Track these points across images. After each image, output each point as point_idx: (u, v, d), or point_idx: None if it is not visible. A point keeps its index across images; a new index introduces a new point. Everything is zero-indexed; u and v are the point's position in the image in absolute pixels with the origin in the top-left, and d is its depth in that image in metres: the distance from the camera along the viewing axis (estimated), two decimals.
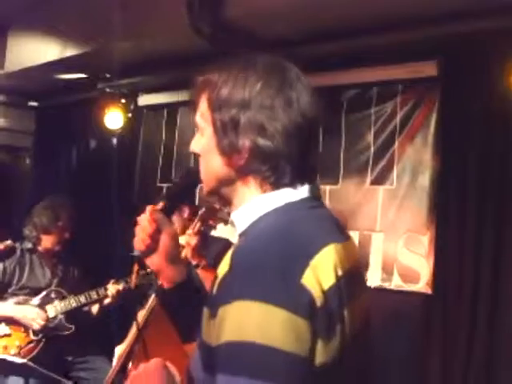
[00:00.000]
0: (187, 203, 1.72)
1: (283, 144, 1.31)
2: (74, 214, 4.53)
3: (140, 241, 1.63)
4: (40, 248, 4.44)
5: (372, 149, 4.21)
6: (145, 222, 1.63)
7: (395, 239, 4.06)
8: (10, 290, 4.30)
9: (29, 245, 4.44)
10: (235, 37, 4.12)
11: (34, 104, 6.63)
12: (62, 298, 4.34)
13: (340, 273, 1.25)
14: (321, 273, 1.20)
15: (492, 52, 3.67)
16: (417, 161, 4.02)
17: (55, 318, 4.27)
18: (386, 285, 4.06)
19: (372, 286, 4.09)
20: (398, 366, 3.84)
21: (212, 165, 1.41)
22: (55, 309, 4.28)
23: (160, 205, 1.66)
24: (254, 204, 1.37)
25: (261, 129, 1.32)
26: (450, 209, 3.89)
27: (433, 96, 3.99)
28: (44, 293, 4.33)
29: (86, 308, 4.43)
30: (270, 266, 1.18)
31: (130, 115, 5.43)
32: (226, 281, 1.23)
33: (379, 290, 4.06)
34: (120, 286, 4.29)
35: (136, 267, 1.74)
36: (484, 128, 3.79)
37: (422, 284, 3.91)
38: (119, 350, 3.81)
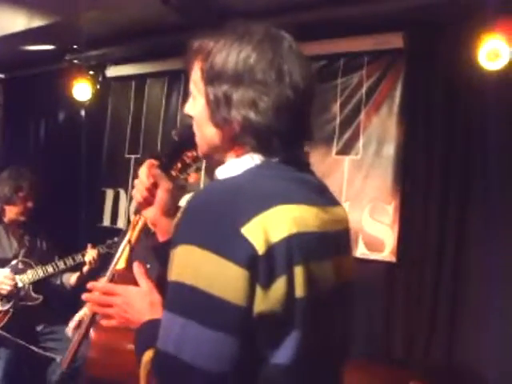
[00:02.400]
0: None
1: (274, 119, 1.34)
2: (36, 184, 4.50)
3: (138, 193, 1.74)
4: (5, 219, 4.43)
5: (338, 119, 4.26)
6: (143, 175, 1.73)
7: (361, 208, 4.12)
8: None
9: None
10: (203, 7, 4.12)
11: (1, 76, 6.55)
12: (30, 268, 4.35)
13: (294, 230, 1.26)
14: (270, 226, 1.23)
15: (457, 24, 3.72)
16: (382, 131, 4.07)
17: (23, 288, 4.28)
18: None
19: None
20: (362, 333, 3.91)
21: (205, 133, 1.45)
22: (22, 279, 4.29)
23: (158, 160, 1.73)
24: (230, 164, 1.42)
25: (253, 104, 1.34)
26: (415, 178, 3.96)
27: (398, 67, 4.04)
28: (11, 263, 4.33)
29: (58, 281, 4.45)
30: (213, 214, 1.24)
31: (98, 87, 5.41)
32: (177, 225, 1.30)
33: None
34: (96, 252, 4.31)
35: (135, 218, 1.82)
36: (448, 99, 3.85)
37: (387, 252, 3.99)
38: (78, 317, 3.84)
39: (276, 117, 1.34)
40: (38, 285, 4.37)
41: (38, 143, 6.25)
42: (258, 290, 1.21)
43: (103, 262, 4.16)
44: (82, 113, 5.79)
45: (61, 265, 4.35)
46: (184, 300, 1.24)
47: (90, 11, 4.40)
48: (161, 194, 1.72)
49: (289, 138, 1.37)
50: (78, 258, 4.36)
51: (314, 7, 3.96)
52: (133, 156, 5.35)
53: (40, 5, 4.76)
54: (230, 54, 1.36)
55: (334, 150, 4.28)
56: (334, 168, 4.27)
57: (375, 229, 4.05)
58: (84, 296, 1.64)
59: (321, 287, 1.32)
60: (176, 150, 1.74)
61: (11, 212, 4.44)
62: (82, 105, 5.59)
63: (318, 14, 4.00)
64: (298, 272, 1.25)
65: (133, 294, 1.59)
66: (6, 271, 4.25)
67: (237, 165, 1.40)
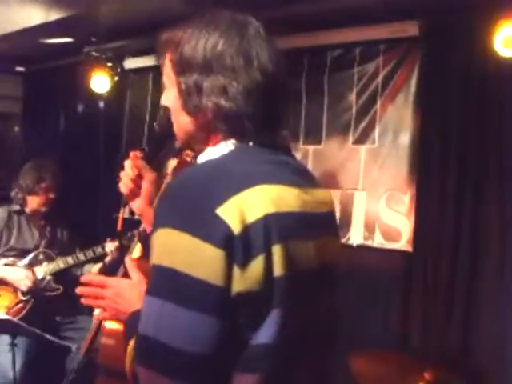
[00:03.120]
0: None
1: (245, 104, 1.36)
2: (58, 175, 4.54)
3: (123, 185, 1.78)
4: (27, 210, 4.48)
5: (354, 108, 4.25)
6: (127, 167, 1.78)
7: (377, 198, 4.11)
8: None
9: (16, 207, 4.48)
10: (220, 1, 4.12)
11: (21, 69, 6.62)
12: (50, 259, 4.40)
13: (272, 210, 1.28)
14: (246, 206, 1.24)
15: (474, 12, 3.69)
16: (398, 120, 4.06)
17: (43, 279, 4.34)
18: (369, 243, 4.12)
19: (355, 244, 4.16)
20: (379, 322, 3.92)
21: (180, 122, 1.47)
22: (43, 270, 4.34)
23: (142, 152, 1.77)
24: (209, 151, 1.43)
25: (223, 91, 1.36)
26: (431, 167, 3.94)
27: (414, 56, 4.02)
28: (32, 254, 4.39)
29: (79, 272, 4.50)
30: (189, 197, 1.26)
31: (116, 79, 5.44)
32: (155, 209, 1.34)
33: (361, 248, 4.14)
34: (116, 244, 4.34)
35: (122, 210, 1.84)
36: (464, 87, 3.82)
37: (403, 242, 3.98)
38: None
39: (246, 101, 1.36)
40: (58, 276, 4.42)
41: (57, 135, 6.29)
42: (236, 270, 1.22)
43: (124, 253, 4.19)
44: (101, 105, 5.83)
45: (81, 257, 4.40)
46: (163, 282, 1.25)
47: (107, 3, 4.43)
48: (146, 185, 1.76)
49: (261, 121, 1.38)
50: (98, 250, 4.40)
51: None
52: None
53: None
54: (198, 43, 1.38)
55: (351, 139, 4.27)
56: (351, 157, 4.27)
57: (391, 218, 4.04)
58: (77, 289, 1.65)
59: (301, 267, 1.33)
60: (157, 140, 1.80)
61: (33, 202, 4.48)
62: (101, 97, 5.64)
63: (334, 2, 3.99)
64: (276, 251, 1.26)
65: (123, 285, 1.61)
66: (27, 271, 4.31)
67: (213, 152, 1.41)
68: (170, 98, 1.49)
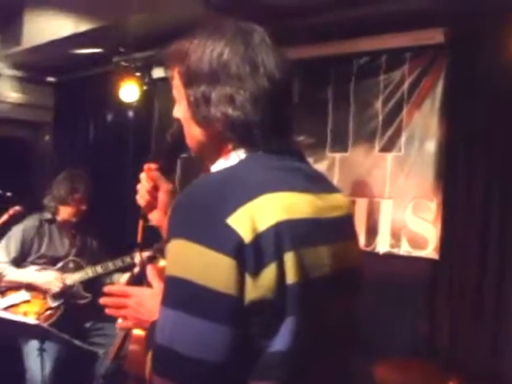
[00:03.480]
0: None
1: (253, 111, 1.37)
2: (91, 187, 4.62)
3: (140, 197, 1.80)
4: (58, 218, 4.55)
5: (380, 116, 4.25)
6: (143, 179, 1.78)
7: (403, 205, 4.11)
8: (29, 259, 4.45)
9: (48, 215, 4.56)
10: (245, 7, 4.15)
11: (52, 79, 6.72)
12: (80, 267, 4.46)
13: (284, 217, 1.28)
14: (257, 214, 1.25)
15: (500, 18, 3.68)
16: (424, 127, 4.05)
17: (72, 286, 4.40)
18: (395, 250, 4.12)
19: (381, 252, 4.16)
20: (406, 330, 3.91)
21: (192, 133, 1.48)
22: (73, 278, 4.40)
23: (156, 163, 1.77)
24: (223, 163, 1.43)
25: (230, 100, 1.37)
26: (457, 175, 3.92)
27: (440, 63, 4.01)
28: (62, 262, 4.46)
29: (109, 280, 4.55)
30: (200, 207, 1.27)
31: (144, 88, 5.50)
32: (168, 220, 1.33)
33: (388, 256, 4.13)
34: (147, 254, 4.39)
35: (141, 222, 1.86)
36: (490, 94, 3.80)
37: (430, 250, 3.96)
38: None
39: (254, 108, 1.37)
40: (87, 284, 4.48)
41: (87, 144, 6.37)
42: (248, 279, 1.22)
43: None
44: (130, 114, 5.90)
45: (110, 266, 4.46)
46: (176, 293, 1.27)
47: (135, 14, 4.48)
48: (162, 196, 1.77)
49: (271, 128, 1.39)
50: (127, 260, 4.45)
51: (356, 4, 3.96)
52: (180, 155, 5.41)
53: (87, 9, 4.86)
54: (204, 53, 1.40)
55: (377, 146, 4.27)
56: (377, 165, 4.27)
57: (418, 226, 4.03)
58: (101, 300, 1.68)
59: (314, 274, 1.32)
60: (171, 151, 1.80)
61: (65, 212, 4.56)
62: (130, 106, 5.70)
63: (360, 11, 4.00)
64: (289, 259, 1.26)
65: (144, 294, 1.62)
66: (56, 274, 4.38)
67: (224, 163, 1.42)
68: (180, 109, 1.50)
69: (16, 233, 4.41)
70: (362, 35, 4.25)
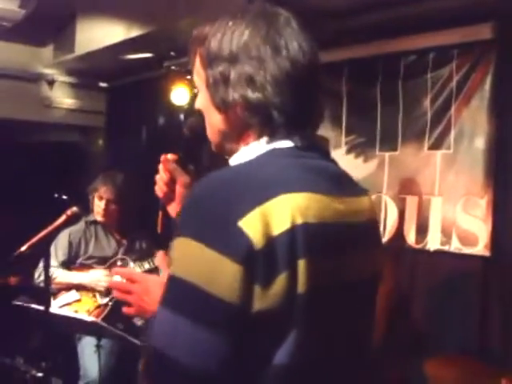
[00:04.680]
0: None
1: (274, 94, 1.30)
2: (133, 187, 4.67)
3: (158, 189, 1.75)
4: (104, 220, 4.67)
5: (429, 114, 4.23)
6: (161, 171, 1.74)
7: (454, 203, 4.08)
8: (78, 261, 4.58)
9: (92, 217, 4.69)
10: (291, 9, 4.19)
11: (104, 85, 6.88)
12: (127, 265, 4.56)
13: (300, 221, 1.20)
14: (272, 218, 1.17)
15: None
16: (473, 124, 4.02)
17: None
18: (446, 248, 4.10)
19: (432, 249, 4.15)
20: (457, 327, 3.89)
21: (212, 121, 1.41)
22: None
23: (173, 155, 1.72)
24: (242, 152, 1.38)
25: (250, 81, 1.30)
26: (508, 171, 3.89)
27: (488, 59, 3.97)
28: (110, 261, 4.57)
29: None
30: (211, 205, 1.20)
31: (195, 91, 5.57)
32: (179, 216, 1.27)
33: (439, 253, 4.12)
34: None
35: (161, 214, 1.83)
36: None
37: (481, 247, 3.93)
38: None
39: (275, 91, 1.30)
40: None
41: (139, 148, 6.47)
42: (256, 288, 1.15)
43: None
44: (181, 117, 5.98)
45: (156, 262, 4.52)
46: (177, 294, 1.20)
47: (184, 18, 4.55)
48: (179, 189, 1.71)
49: (293, 116, 1.32)
50: None
51: (401, 3, 3.96)
52: None
53: (137, 15, 4.96)
54: (225, 35, 1.34)
55: (426, 144, 4.26)
56: (427, 163, 4.25)
57: (469, 223, 4.01)
58: (109, 283, 1.69)
59: (327, 283, 1.25)
60: (189, 143, 1.74)
61: (95, 212, 4.67)
62: (181, 109, 5.78)
63: (407, 9, 4.00)
64: (302, 266, 1.19)
65: (150, 282, 1.57)
66: (103, 272, 4.49)
67: (246, 153, 1.36)
68: (201, 98, 1.43)
69: (62, 237, 4.53)
70: (409, 33, 4.25)
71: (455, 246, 4.06)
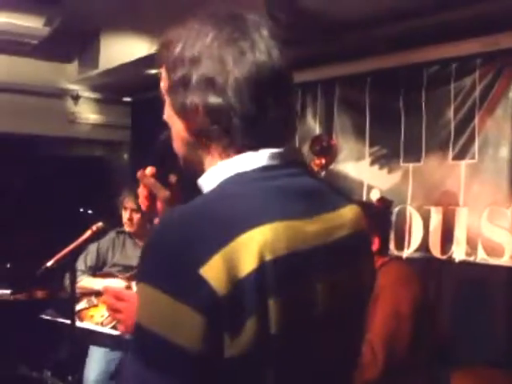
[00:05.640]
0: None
1: (235, 99, 1.20)
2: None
3: (141, 203, 1.64)
4: (132, 230, 4.75)
5: (452, 124, 4.21)
6: (141, 185, 1.63)
7: (479, 213, 4.05)
8: (105, 268, 4.71)
9: (122, 228, 4.80)
10: (312, 23, 4.21)
11: (129, 99, 6.95)
12: None
13: (268, 257, 1.11)
14: (237, 259, 1.09)
15: None
16: (498, 133, 3.99)
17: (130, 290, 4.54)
18: (471, 258, 4.07)
19: (457, 260, 4.12)
20: (483, 339, 3.85)
21: (176, 130, 1.32)
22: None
23: (151, 169, 1.62)
24: (209, 174, 1.28)
25: (210, 84, 1.21)
26: None
27: (511, 67, 3.97)
28: (133, 271, 4.62)
29: None
30: (169, 251, 1.12)
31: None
32: (139, 258, 1.21)
33: (464, 264, 4.09)
34: None
35: (149, 228, 1.77)
36: None
37: (507, 257, 3.89)
38: None
39: (237, 96, 1.20)
40: None
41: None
42: (225, 336, 1.07)
43: None
44: None
45: None
46: (139, 342, 1.14)
47: None
48: (159, 204, 1.61)
49: (257, 124, 1.22)
50: None
51: (423, 13, 3.96)
52: None
53: (160, 30, 5.01)
54: (189, 38, 1.25)
55: (450, 155, 4.24)
56: (451, 173, 4.23)
57: (494, 233, 3.97)
58: (101, 299, 1.67)
59: (305, 314, 1.18)
60: (161, 157, 1.62)
61: (123, 221, 4.76)
62: None
63: (429, 19, 4.00)
64: (273, 305, 1.10)
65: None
66: (122, 282, 4.54)
67: (214, 175, 1.26)
68: (166, 108, 1.34)
69: (94, 245, 4.68)
70: (432, 43, 4.24)
71: (481, 257, 4.03)
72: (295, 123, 1.36)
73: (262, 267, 1.09)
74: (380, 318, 2.78)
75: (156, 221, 1.62)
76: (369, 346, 2.75)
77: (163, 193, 1.58)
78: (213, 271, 1.06)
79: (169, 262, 1.10)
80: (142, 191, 1.61)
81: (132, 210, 4.69)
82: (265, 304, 1.10)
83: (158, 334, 1.08)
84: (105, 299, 1.67)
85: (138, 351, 1.13)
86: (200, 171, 1.31)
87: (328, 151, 3.25)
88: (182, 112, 1.26)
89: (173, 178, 1.61)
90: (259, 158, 1.23)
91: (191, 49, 1.24)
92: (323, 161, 3.22)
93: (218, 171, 1.25)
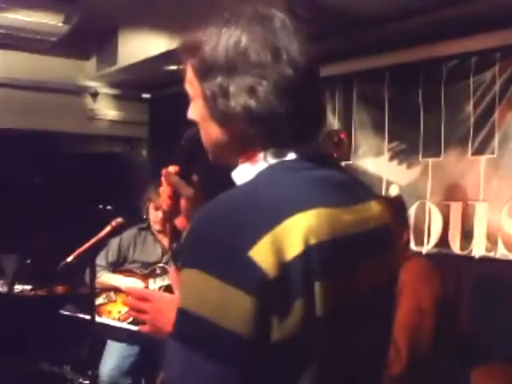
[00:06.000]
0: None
1: (278, 103, 1.21)
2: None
3: (163, 202, 1.63)
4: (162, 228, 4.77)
5: (472, 119, 4.18)
6: (164, 184, 1.62)
7: (499, 208, 4.02)
8: (125, 264, 4.73)
9: (144, 224, 4.84)
10: (331, 18, 4.19)
11: (147, 96, 6.97)
12: (165, 273, 4.63)
13: (313, 241, 1.13)
14: (284, 243, 1.10)
15: None
16: None
17: (153, 290, 4.56)
18: (491, 254, 4.04)
19: (477, 256, 4.10)
20: (504, 335, 3.83)
21: (211, 134, 1.32)
22: (154, 282, 4.57)
23: (175, 167, 1.62)
24: (244, 167, 1.30)
25: (251, 91, 1.21)
26: None
27: None
28: (151, 268, 4.67)
29: None
30: (216, 235, 1.12)
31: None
32: (182, 244, 1.22)
33: (484, 260, 4.06)
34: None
35: (168, 227, 1.73)
36: None
37: None
38: None
39: (279, 100, 1.21)
40: (169, 290, 4.61)
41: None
42: (274, 319, 1.09)
43: None
44: None
45: None
46: (188, 329, 1.14)
47: None
48: (183, 202, 1.60)
49: (298, 123, 1.24)
50: None
51: (442, 7, 3.93)
52: None
53: (178, 27, 5.01)
54: (219, 43, 1.24)
55: (470, 150, 4.21)
56: (471, 168, 4.21)
57: None
58: (123, 301, 1.64)
59: (345, 299, 1.20)
60: (187, 155, 1.62)
61: (151, 221, 4.79)
62: None
63: (447, 13, 3.96)
64: (318, 287, 1.12)
65: (164, 302, 1.54)
66: (140, 282, 4.59)
67: (250, 168, 1.28)
68: (196, 109, 1.34)
69: (115, 240, 4.70)
70: (451, 38, 4.21)
71: (501, 253, 4.00)
72: (325, 118, 1.37)
73: (308, 250, 1.11)
74: (402, 314, 2.77)
75: (179, 220, 1.63)
76: (392, 342, 2.74)
77: (187, 191, 1.59)
78: (261, 254, 1.08)
79: (216, 247, 1.11)
80: (165, 190, 1.60)
81: (157, 210, 4.67)
82: (311, 286, 1.11)
83: (207, 318, 1.09)
84: (127, 301, 1.66)
85: (184, 337, 1.13)
86: (233, 166, 1.32)
87: (339, 146, 3.25)
88: (223, 120, 1.26)
89: (195, 177, 1.61)
90: (292, 152, 1.25)
91: (224, 54, 1.23)
92: (335, 156, 3.23)
93: (253, 164, 1.27)
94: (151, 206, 4.73)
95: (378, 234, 1.35)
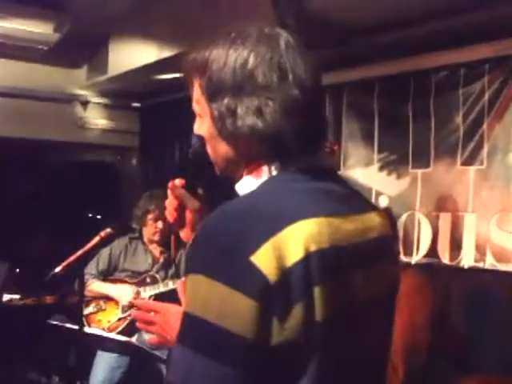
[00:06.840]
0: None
1: (284, 123, 1.25)
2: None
3: (168, 214, 1.65)
4: (144, 238, 4.82)
5: (461, 130, 4.20)
6: (170, 197, 1.64)
7: (487, 219, 4.04)
8: (115, 273, 4.73)
9: (135, 234, 4.84)
10: (320, 29, 4.21)
11: (137, 105, 6.98)
12: (156, 283, 4.62)
13: (313, 248, 1.16)
14: (285, 249, 1.14)
15: None
16: (506, 139, 3.98)
17: (143, 299, 4.54)
18: (480, 264, 4.05)
19: (466, 266, 4.11)
20: (492, 346, 3.84)
21: (219, 150, 1.36)
22: (144, 291, 4.57)
23: (181, 180, 1.63)
24: (247, 179, 1.34)
25: (258, 112, 1.25)
26: None
27: None
28: (141, 277, 4.68)
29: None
30: (222, 242, 1.15)
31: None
32: (188, 252, 1.25)
33: (473, 270, 4.07)
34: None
35: (173, 239, 1.77)
36: None
37: None
38: None
39: (285, 120, 1.25)
40: (159, 298, 4.59)
41: (172, 167, 6.52)
42: (274, 322, 1.12)
43: None
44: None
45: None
46: (193, 332, 1.17)
47: (212, 39, 4.60)
48: (189, 215, 1.62)
49: (304, 141, 1.28)
50: None
51: (431, 19, 3.95)
52: None
53: (169, 36, 5.02)
54: (227, 63, 1.27)
55: (459, 161, 4.23)
56: (460, 179, 4.22)
57: (503, 239, 3.96)
58: (132, 313, 1.67)
59: (344, 306, 1.22)
60: (195, 167, 1.64)
61: (146, 232, 4.80)
62: None
63: (437, 25, 3.99)
64: (318, 293, 1.15)
65: (172, 313, 1.56)
66: (131, 288, 4.60)
67: (253, 181, 1.32)
68: (203, 126, 1.38)
69: (106, 249, 4.69)
70: (440, 49, 4.23)
71: (490, 263, 4.01)
72: (327, 131, 1.42)
73: (308, 257, 1.15)
74: (396, 329, 2.78)
75: (184, 232, 1.65)
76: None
77: (193, 204, 1.62)
78: (263, 259, 1.12)
79: (220, 253, 1.15)
80: (171, 202, 1.63)
81: (156, 220, 4.71)
82: (310, 291, 1.15)
83: (211, 322, 1.13)
84: (135, 313, 1.68)
85: (189, 340, 1.17)
86: (238, 179, 1.37)
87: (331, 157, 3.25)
88: (231, 139, 1.31)
89: (200, 190, 1.65)
90: (295, 164, 1.29)
91: (231, 75, 1.27)
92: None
93: (257, 177, 1.31)
94: (149, 217, 4.72)
95: (379, 244, 1.38)
